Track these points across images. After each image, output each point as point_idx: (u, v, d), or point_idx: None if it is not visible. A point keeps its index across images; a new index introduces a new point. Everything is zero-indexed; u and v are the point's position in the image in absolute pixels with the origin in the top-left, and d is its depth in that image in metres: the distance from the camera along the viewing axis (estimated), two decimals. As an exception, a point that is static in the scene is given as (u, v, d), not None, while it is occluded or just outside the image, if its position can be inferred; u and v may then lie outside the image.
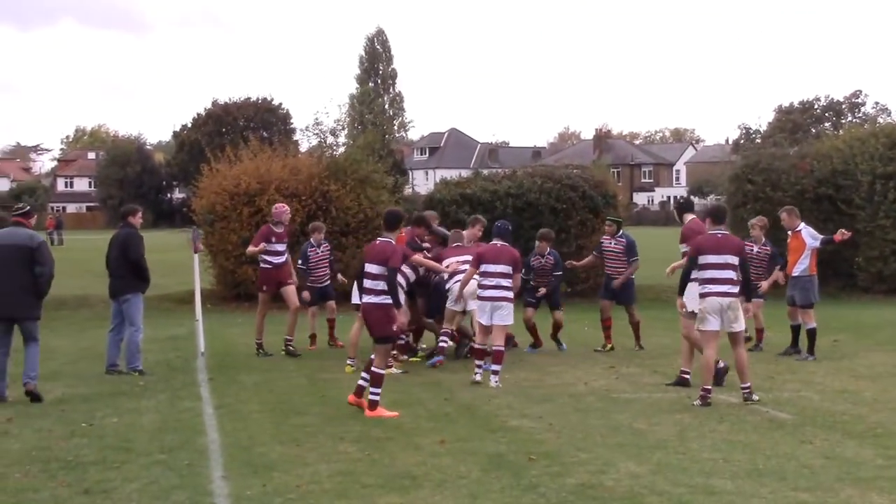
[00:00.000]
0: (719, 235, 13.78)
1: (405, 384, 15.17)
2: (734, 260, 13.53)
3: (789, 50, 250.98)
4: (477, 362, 15.38)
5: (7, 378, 14.20)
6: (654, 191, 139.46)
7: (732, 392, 14.25)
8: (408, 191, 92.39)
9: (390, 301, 12.94)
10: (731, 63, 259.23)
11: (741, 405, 13.31)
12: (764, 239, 18.81)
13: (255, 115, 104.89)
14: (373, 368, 12.89)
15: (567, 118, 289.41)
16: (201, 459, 10.57)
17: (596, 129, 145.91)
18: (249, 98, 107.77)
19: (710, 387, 13.52)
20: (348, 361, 16.37)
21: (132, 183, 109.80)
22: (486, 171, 34.02)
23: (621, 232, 19.30)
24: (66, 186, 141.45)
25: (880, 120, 50.95)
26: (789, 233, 18.25)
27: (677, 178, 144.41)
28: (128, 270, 16.20)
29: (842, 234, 18.11)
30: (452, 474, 9.84)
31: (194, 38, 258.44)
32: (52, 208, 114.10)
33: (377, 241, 13.51)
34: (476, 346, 15.75)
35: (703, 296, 13.58)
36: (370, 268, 13.15)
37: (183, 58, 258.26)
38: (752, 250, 17.81)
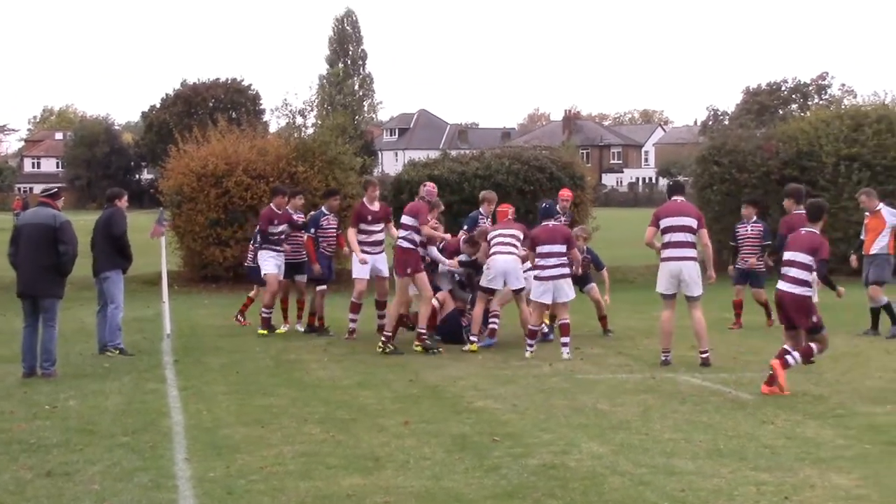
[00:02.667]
0: (804, 215, 14.36)
1: (371, 365, 15.20)
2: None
3: (757, 31, 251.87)
4: (529, 341, 15.78)
5: (36, 354, 14.47)
6: (622, 172, 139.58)
7: (696, 373, 14.36)
8: (377, 172, 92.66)
9: (811, 293, 13.15)
10: (699, 45, 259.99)
11: (703, 386, 13.40)
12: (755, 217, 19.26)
13: (224, 95, 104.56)
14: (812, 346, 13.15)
15: (537, 100, 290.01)
16: (165, 441, 10.56)
17: (565, 111, 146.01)
18: (219, 79, 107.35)
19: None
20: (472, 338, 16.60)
21: (100, 164, 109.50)
22: (454, 153, 34.02)
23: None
24: (33, 167, 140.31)
25: (846, 102, 51.13)
26: (867, 213, 18.50)
27: (646, 160, 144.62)
28: (110, 247, 16.22)
29: None
30: (416, 455, 9.88)
31: (163, 18, 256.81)
32: (19, 189, 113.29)
33: (802, 231, 13.58)
34: (532, 327, 15.93)
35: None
36: (797, 256, 13.28)
37: (152, 38, 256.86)
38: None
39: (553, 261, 15.72)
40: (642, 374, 14.32)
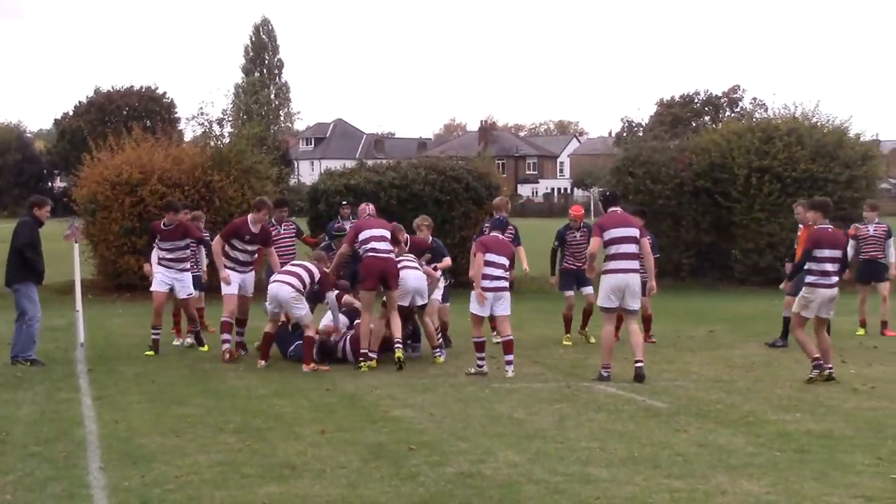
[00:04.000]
0: (830, 229, 14.90)
1: (287, 374, 15.16)
2: (840, 254, 14.88)
3: (671, 44, 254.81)
4: (479, 354, 15.30)
5: None
6: (538, 182, 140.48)
7: (610, 382, 14.48)
8: (293, 181, 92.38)
9: None
10: (614, 56, 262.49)
11: (618, 395, 13.53)
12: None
13: (138, 103, 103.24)
14: None
15: (453, 110, 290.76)
16: (78, 451, 10.46)
17: (481, 121, 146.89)
18: (133, 87, 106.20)
19: (818, 355, 14.64)
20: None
21: (11, 171, 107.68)
22: (370, 162, 34.11)
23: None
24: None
25: (757, 115, 51.92)
26: (801, 226, 18.53)
27: (561, 171, 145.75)
28: (16, 259, 15.95)
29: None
30: (332, 464, 9.88)
31: (76, 24, 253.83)
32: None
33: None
34: (477, 339, 15.38)
35: (813, 286, 14.70)
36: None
37: (64, 44, 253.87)
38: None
39: (499, 272, 15.34)
40: (557, 383, 14.43)
